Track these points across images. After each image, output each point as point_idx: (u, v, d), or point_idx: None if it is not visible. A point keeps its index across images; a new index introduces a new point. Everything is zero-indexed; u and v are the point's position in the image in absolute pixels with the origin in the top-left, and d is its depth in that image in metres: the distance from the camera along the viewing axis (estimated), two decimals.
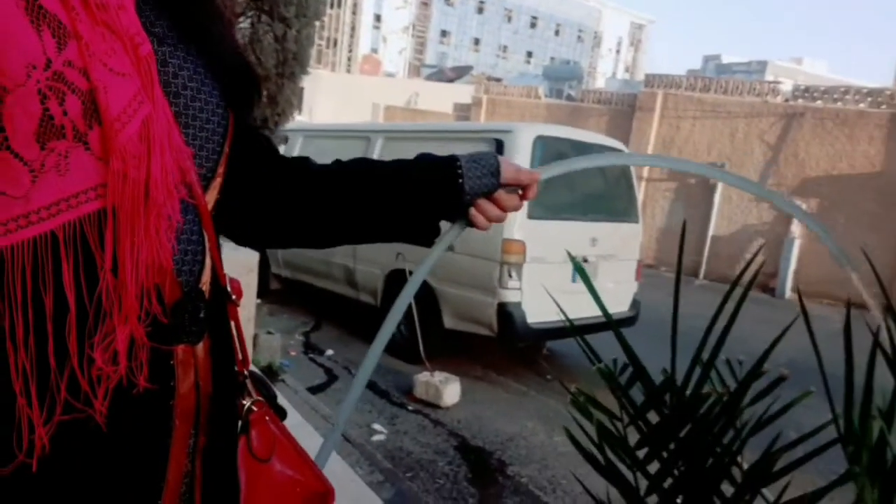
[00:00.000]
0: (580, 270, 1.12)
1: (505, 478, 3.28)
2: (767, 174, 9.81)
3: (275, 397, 0.75)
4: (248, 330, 3.75)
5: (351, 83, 20.26)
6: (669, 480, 0.88)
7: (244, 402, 0.68)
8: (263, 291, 6.18)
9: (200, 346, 0.59)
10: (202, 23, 0.62)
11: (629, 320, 5.16)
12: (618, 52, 53.52)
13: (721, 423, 0.85)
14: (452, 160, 0.77)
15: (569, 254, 1.43)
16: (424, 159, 0.79)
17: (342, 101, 18.35)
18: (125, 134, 0.48)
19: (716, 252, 10.08)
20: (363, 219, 0.77)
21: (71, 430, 0.49)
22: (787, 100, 9.92)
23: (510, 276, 4.35)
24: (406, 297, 0.87)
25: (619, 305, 5.07)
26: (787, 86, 10.25)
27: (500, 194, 0.79)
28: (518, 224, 4.34)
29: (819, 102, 9.52)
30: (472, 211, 0.78)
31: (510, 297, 4.34)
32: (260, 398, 0.70)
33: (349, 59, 33.53)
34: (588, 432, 0.99)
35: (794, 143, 9.57)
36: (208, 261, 0.61)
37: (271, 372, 4.09)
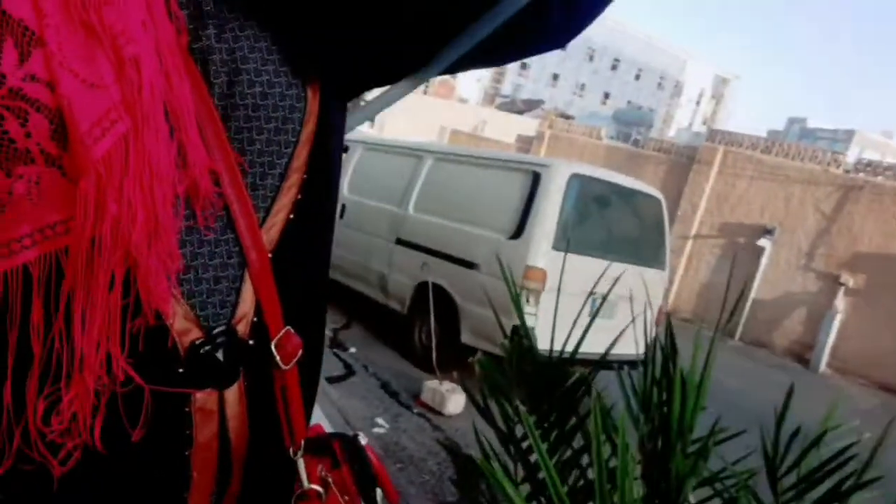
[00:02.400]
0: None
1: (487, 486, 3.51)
2: (819, 243, 9.68)
3: (373, 481, 0.61)
4: None
5: (423, 104, 20.89)
6: (539, 431, 1.14)
7: (299, 486, 0.58)
8: None
9: (232, 391, 0.51)
10: None
11: (643, 363, 5.29)
12: (697, 103, 52.92)
13: (580, 393, 1.12)
14: None
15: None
16: None
17: (413, 120, 18.94)
18: (95, 153, 0.42)
19: (754, 315, 9.97)
20: None
21: (43, 475, 0.45)
22: (847, 171, 9.80)
23: (528, 301, 4.58)
24: None
25: (635, 347, 5.21)
26: (850, 157, 10.11)
27: None
28: (543, 252, 4.59)
29: (880, 178, 9.37)
30: None
31: (526, 320, 4.57)
32: (316, 485, 0.57)
33: (427, 81, 34.49)
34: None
35: (850, 215, 9.43)
36: (248, 291, 0.52)
37: None
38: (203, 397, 0.50)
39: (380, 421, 3.95)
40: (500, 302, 4.81)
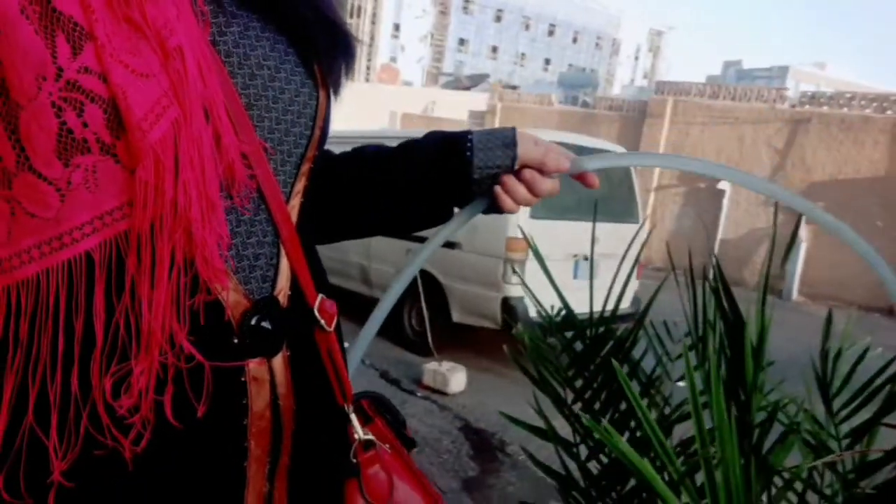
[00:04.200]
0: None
1: (504, 455, 3.56)
2: (775, 178, 9.99)
3: (403, 424, 0.69)
4: None
5: (369, 92, 20.65)
6: (589, 392, 1.17)
7: (355, 436, 0.62)
8: None
9: (278, 359, 0.54)
10: None
11: (630, 316, 5.42)
12: (636, 58, 53.62)
13: (623, 351, 1.15)
14: (464, 133, 0.67)
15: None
16: (434, 134, 0.70)
17: (360, 109, 18.71)
18: (150, 138, 0.44)
19: (724, 255, 10.26)
20: (376, 205, 0.70)
21: (113, 460, 0.46)
22: (793, 105, 10.10)
23: (514, 271, 4.64)
24: (407, 275, 0.78)
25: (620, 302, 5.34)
26: (793, 92, 10.43)
27: (529, 174, 0.66)
28: (521, 223, 4.64)
29: (825, 108, 9.69)
30: (497, 189, 0.66)
31: (513, 291, 4.63)
32: (370, 435, 0.63)
33: (368, 68, 34.24)
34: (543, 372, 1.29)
35: (801, 148, 9.74)
36: (283, 266, 0.56)
37: None
38: (256, 366, 0.52)
39: None
40: (483, 277, 4.90)
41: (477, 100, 17.23)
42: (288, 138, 0.56)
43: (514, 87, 21.22)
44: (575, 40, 50.72)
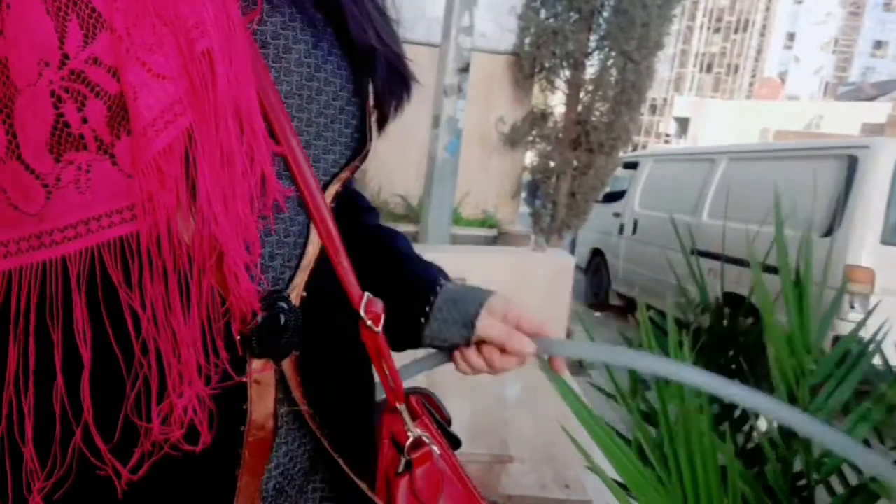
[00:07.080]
0: None
1: None
2: None
3: (449, 422, 0.70)
4: (562, 324, 4.26)
5: (743, 109, 19.18)
6: None
7: (408, 434, 0.64)
8: (603, 304, 6.67)
9: (287, 363, 0.51)
10: None
11: None
12: None
13: None
14: (432, 293, 0.64)
15: None
16: (413, 275, 0.67)
17: (733, 126, 17.58)
18: (154, 146, 0.40)
19: None
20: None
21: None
22: None
23: (852, 307, 3.89)
24: None
25: None
26: None
27: (488, 352, 0.63)
28: (867, 248, 3.86)
29: None
30: (455, 353, 0.65)
31: (848, 329, 3.87)
32: (422, 432, 0.64)
33: (751, 84, 31.44)
34: None
35: None
36: (304, 263, 0.53)
37: (580, 365, 4.56)
38: (259, 367, 0.49)
39: None
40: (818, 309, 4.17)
41: (877, 111, 14.35)
42: (318, 142, 0.54)
43: None
44: None
